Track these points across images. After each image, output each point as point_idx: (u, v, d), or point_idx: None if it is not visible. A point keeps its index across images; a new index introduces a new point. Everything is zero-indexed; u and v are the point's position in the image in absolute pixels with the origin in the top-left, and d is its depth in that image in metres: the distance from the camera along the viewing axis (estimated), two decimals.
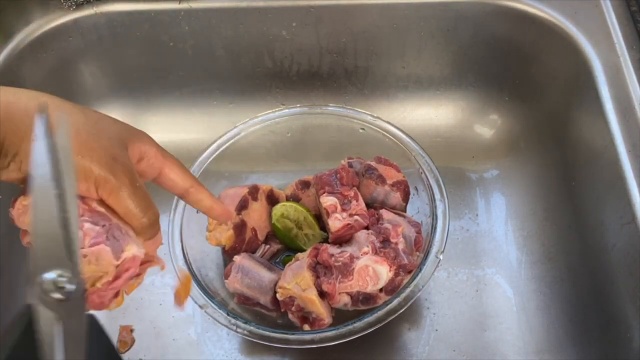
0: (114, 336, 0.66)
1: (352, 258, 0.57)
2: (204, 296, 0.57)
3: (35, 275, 0.31)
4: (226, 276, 0.61)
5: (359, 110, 0.69)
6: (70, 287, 0.31)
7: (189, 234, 0.63)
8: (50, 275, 0.31)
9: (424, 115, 0.80)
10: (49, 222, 0.31)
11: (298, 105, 0.70)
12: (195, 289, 0.58)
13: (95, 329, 0.33)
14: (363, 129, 0.68)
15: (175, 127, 0.80)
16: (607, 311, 0.60)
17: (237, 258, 0.62)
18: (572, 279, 0.65)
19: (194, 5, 0.71)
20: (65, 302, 0.31)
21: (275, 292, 0.59)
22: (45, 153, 0.31)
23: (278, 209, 0.66)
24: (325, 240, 0.65)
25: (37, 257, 0.31)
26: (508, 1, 0.70)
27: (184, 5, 0.70)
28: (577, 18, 0.68)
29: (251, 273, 0.61)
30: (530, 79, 0.74)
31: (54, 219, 0.31)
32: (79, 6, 0.71)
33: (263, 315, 0.62)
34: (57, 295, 0.31)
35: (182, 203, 0.63)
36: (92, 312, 0.35)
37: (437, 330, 0.65)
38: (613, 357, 0.58)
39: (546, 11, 0.69)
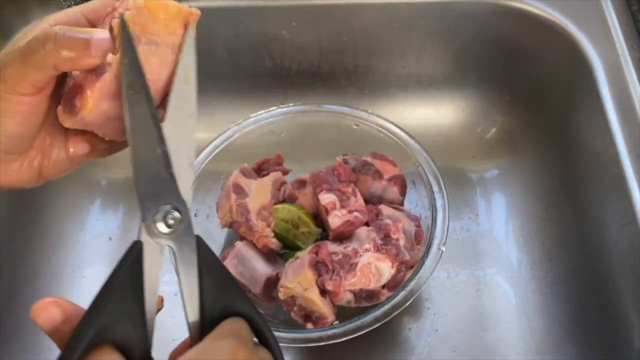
0: None
1: (353, 255, 0.57)
2: None
3: (146, 217, 0.32)
4: (223, 259, 0.61)
5: (353, 107, 0.68)
6: (177, 216, 0.33)
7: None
8: (161, 213, 0.32)
9: (424, 115, 0.80)
10: (148, 157, 0.33)
11: (291, 104, 0.70)
12: None
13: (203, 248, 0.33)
14: (357, 125, 0.68)
15: None
16: (607, 311, 0.60)
17: (238, 244, 0.62)
18: (573, 279, 0.65)
19: (193, 4, 0.70)
20: (174, 232, 0.32)
21: (265, 285, 0.59)
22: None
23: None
24: (323, 236, 0.64)
25: (144, 196, 0.32)
26: (509, 1, 0.70)
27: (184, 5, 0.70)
28: (577, 17, 0.68)
29: (247, 262, 0.61)
30: (531, 79, 0.74)
31: (153, 153, 0.33)
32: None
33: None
34: (166, 229, 0.32)
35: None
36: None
37: (437, 330, 0.65)
38: (613, 357, 0.58)
39: (546, 10, 0.69)
